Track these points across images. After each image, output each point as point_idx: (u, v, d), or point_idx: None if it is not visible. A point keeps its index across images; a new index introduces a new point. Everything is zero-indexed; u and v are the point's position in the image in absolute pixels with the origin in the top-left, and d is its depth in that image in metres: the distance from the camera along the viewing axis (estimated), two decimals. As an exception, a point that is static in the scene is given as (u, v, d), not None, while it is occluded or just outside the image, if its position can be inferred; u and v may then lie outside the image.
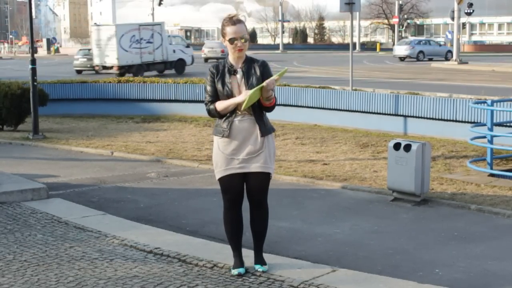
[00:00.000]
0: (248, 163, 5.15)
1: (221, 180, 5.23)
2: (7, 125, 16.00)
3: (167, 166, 11.16)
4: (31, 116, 14.62)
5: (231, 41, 5.10)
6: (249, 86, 5.11)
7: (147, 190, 9.30)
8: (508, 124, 12.12)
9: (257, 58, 5.30)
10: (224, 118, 5.19)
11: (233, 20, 5.15)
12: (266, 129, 5.20)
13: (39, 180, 9.13)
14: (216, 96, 5.20)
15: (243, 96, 5.04)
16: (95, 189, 9.35)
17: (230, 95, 5.14)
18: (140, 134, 15.05)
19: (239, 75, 5.17)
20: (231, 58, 5.23)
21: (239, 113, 5.14)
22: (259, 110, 5.16)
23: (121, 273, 5.35)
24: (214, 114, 5.20)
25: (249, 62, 5.21)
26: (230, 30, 5.11)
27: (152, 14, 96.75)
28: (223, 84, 5.16)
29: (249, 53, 5.34)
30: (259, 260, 5.38)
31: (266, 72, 5.19)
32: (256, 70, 5.18)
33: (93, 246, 6.13)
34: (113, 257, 5.77)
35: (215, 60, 46.08)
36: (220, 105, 5.15)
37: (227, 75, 5.17)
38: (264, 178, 5.20)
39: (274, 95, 5.16)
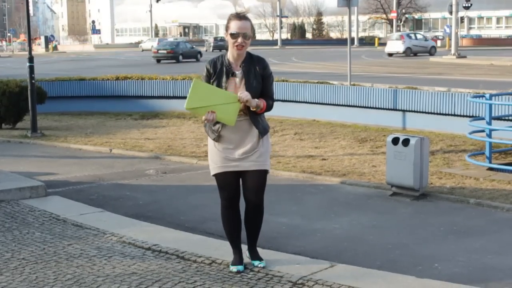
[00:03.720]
0: (243, 162, 5.10)
1: (216, 176, 5.20)
2: (5, 123, 15.99)
3: (166, 163, 11.15)
4: (30, 114, 14.61)
5: (233, 36, 4.97)
6: (249, 87, 5.01)
7: (146, 187, 9.29)
8: (506, 118, 12.11)
9: (257, 55, 5.17)
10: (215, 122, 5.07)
11: (240, 16, 5.04)
12: (264, 130, 5.13)
13: (38, 178, 9.11)
14: None
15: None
16: (93, 186, 9.34)
17: None
18: (138, 131, 15.04)
19: (238, 78, 5.04)
20: (230, 56, 5.08)
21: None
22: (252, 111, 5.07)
23: (119, 270, 5.34)
24: None
25: (248, 62, 5.08)
26: (234, 24, 4.98)
27: (150, 11, 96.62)
28: (219, 86, 5.02)
29: (248, 49, 5.23)
30: (256, 256, 5.36)
31: (266, 75, 5.11)
32: (256, 72, 5.06)
33: (91, 243, 6.12)
34: (111, 254, 5.76)
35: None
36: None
37: (224, 77, 5.03)
38: (260, 175, 5.15)
39: (269, 101, 5.09)
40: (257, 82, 5.05)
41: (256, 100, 5.00)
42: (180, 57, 46.74)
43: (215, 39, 72.26)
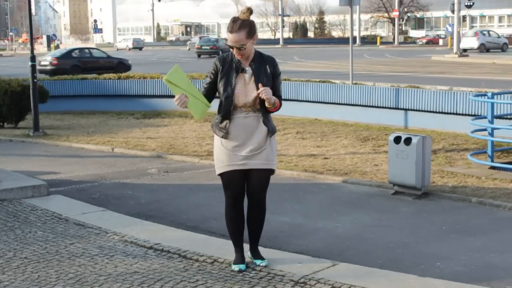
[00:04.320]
0: (251, 160, 5.09)
1: (222, 175, 5.18)
2: (7, 122, 16.01)
3: (168, 162, 11.16)
4: (32, 113, 14.61)
5: (229, 45, 5.02)
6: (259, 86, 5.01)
7: (148, 186, 9.30)
8: (508, 117, 12.09)
9: (267, 55, 5.17)
10: (222, 118, 5.11)
11: (232, 28, 4.95)
12: (272, 129, 5.16)
13: (40, 177, 9.11)
14: (210, 92, 5.14)
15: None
16: (95, 185, 9.34)
17: (230, 97, 5.01)
18: (140, 130, 15.05)
19: (247, 74, 5.04)
20: None
21: (244, 110, 5.05)
22: (264, 108, 5.07)
23: (121, 269, 5.34)
24: None
25: (258, 60, 5.08)
26: (228, 36, 4.99)
27: (152, 10, 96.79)
28: (227, 83, 5.02)
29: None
30: (258, 255, 5.36)
31: (276, 73, 5.11)
32: (266, 70, 5.06)
33: (93, 242, 6.12)
34: (113, 254, 5.76)
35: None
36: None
37: (233, 73, 5.03)
38: (265, 175, 5.16)
39: (280, 101, 5.09)
40: (268, 80, 5.05)
41: (274, 97, 5.01)
42: (220, 52, 51.93)
43: (201, 38, 73.80)
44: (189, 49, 72.10)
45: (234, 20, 4.99)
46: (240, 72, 5.05)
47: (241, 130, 5.08)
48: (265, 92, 4.92)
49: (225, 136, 5.10)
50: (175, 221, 7.33)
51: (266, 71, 5.07)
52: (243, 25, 4.96)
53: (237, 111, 5.06)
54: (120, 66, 32.81)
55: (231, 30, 4.96)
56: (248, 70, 5.06)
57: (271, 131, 5.14)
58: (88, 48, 35.84)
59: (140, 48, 78.26)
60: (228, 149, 5.12)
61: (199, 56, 52.18)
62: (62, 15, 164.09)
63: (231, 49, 5.06)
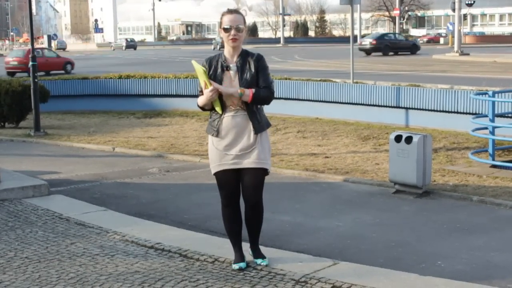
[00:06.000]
0: (241, 159, 5.10)
1: (216, 175, 5.22)
2: (8, 122, 16.03)
3: (169, 161, 11.16)
4: (33, 113, 14.64)
5: (226, 30, 5.05)
6: (242, 82, 5.05)
7: (149, 186, 9.30)
8: (509, 115, 12.07)
9: (253, 52, 5.21)
10: (215, 117, 5.15)
11: (231, 10, 5.15)
12: (260, 126, 5.12)
13: (41, 177, 9.10)
14: None
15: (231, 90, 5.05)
16: (96, 185, 9.34)
17: (218, 94, 5.04)
18: (141, 129, 15.05)
19: (232, 71, 5.09)
20: (226, 51, 5.16)
21: (232, 108, 5.09)
22: (252, 105, 5.09)
23: (122, 269, 5.34)
24: (200, 108, 5.20)
25: (244, 56, 5.13)
26: (225, 19, 5.07)
27: (153, 10, 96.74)
28: (214, 81, 5.06)
29: (250, 47, 5.27)
30: (258, 254, 5.36)
31: (260, 66, 5.12)
32: (250, 65, 5.10)
33: (94, 242, 6.12)
34: (114, 253, 5.76)
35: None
36: (199, 99, 5.12)
37: (219, 71, 5.09)
38: (258, 174, 5.13)
39: (260, 93, 5.05)
40: (251, 76, 5.08)
41: (233, 88, 5.03)
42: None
43: (126, 40, 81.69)
44: (113, 50, 75.22)
45: (230, 8, 5.23)
46: (225, 69, 5.11)
47: (231, 129, 5.10)
48: (216, 86, 4.98)
49: (216, 134, 5.14)
50: (176, 220, 7.33)
51: (250, 67, 5.10)
52: (239, 12, 5.17)
53: (227, 109, 5.11)
54: (413, 47, 47.05)
55: (230, 12, 5.13)
56: (233, 67, 5.12)
57: (257, 128, 5.09)
58: (394, 33, 52.18)
59: (64, 49, 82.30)
60: (219, 150, 5.15)
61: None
62: (63, 14, 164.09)
63: (226, 35, 5.06)
